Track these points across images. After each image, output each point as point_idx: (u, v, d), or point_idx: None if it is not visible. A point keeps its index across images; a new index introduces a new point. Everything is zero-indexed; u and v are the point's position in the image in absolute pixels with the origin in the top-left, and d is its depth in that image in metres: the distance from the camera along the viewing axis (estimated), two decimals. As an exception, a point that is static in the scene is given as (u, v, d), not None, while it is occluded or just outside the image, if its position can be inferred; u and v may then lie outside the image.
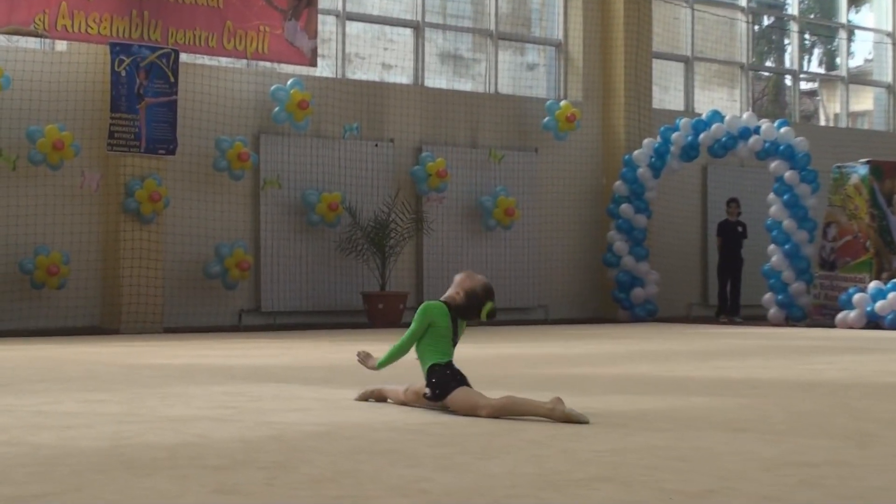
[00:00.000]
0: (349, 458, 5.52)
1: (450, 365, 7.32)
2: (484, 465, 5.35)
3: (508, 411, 6.98)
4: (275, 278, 18.68)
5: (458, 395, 7.16)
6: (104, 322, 17.38)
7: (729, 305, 21.40)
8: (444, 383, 7.22)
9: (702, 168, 23.29)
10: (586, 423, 6.70)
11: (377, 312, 18.67)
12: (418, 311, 7.44)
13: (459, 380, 7.26)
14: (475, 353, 13.18)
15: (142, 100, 17.14)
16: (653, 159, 21.04)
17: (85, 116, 17.23)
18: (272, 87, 18.44)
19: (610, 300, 21.60)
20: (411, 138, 20.20)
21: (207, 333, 16.76)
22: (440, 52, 21.58)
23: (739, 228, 21.36)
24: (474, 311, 7.49)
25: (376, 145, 19.73)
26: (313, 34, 18.73)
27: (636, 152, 21.19)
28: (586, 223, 22.08)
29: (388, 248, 18.97)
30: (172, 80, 17.35)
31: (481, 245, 20.73)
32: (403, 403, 7.59)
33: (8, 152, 16.56)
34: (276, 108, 18.34)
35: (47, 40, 17.29)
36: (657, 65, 23.19)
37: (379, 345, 14.31)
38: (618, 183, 21.26)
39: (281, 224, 18.79)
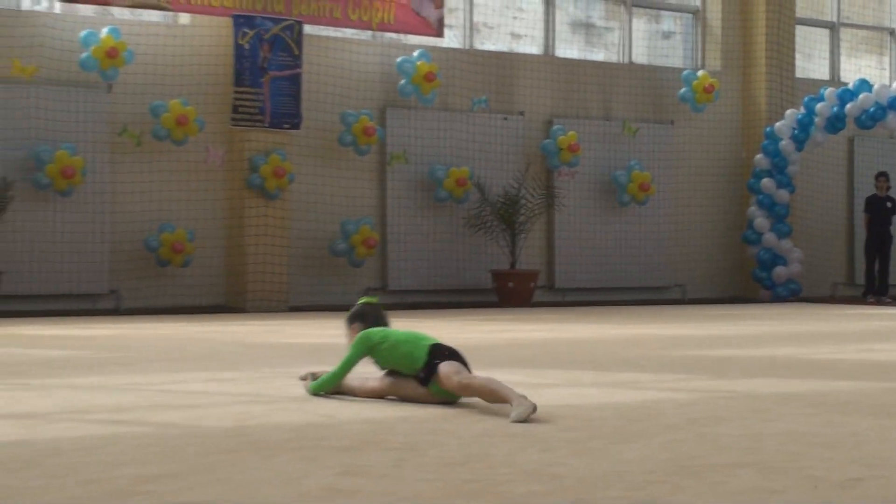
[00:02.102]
0: (480, 441, 5.54)
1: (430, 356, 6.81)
2: (618, 450, 5.33)
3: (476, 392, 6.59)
4: (401, 256, 18.78)
5: (450, 375, 6.71)
6: (229, 300, 17.63)
7: (877, 285, 21.01)
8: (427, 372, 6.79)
9: (848, 140, 22.88)
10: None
11: (507, 291, 18.67)
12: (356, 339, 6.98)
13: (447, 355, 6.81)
14: (610, 333, 13.13)
15: (266, 73, 17.32)
16: (796, 131, 20.73)
17: (208, 91, 17.47)
18: (398, 59, 18.51)
19: (750, 279, 21.34)
20: (542, 111, 20.14)
21: (333, 312, 16.91)
22: (572, 21, 21.46)
23: (889, 204, 20.96)
24: (368, 315, 7.12)
25: (506, 118, 19.71)
26: (440, 4, 18.76)
27: (778, 124, 20.88)
28: (725, 198, 21.83)
29: (518, 225, 18.95)
30: (296, 52, 17.51)
31: (614, 221, 20.61)
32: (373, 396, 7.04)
33: (132, 128, 16.86)
34: (403, 81, 18.40)
35: (170, 14, 17.56)
36: (800, 31, 22.80)
37: (507, 324, 14.36)
38: (758, 156, 20.98)
39: (408, 200, 18.88)
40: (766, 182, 20.77)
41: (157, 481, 4.58)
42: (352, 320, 7.15)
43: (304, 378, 7.49)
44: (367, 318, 7.13)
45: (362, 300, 7.29)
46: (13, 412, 6.41)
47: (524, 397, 6.25)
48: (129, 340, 11.81)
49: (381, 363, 6.99)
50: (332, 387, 7.07)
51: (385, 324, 7.13)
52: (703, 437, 5.68)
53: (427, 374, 6.77)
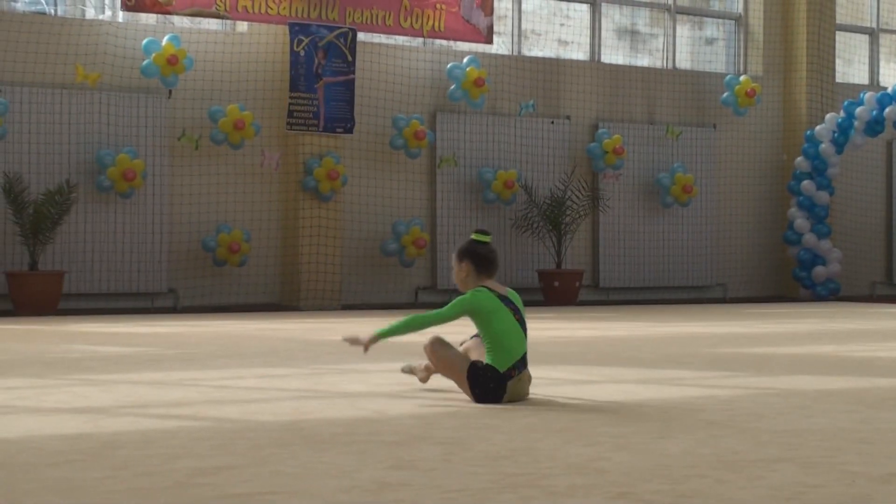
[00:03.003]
0: (525, 435, 5.53)
1: (504, 377, 6.55)
2: (661, 444, 5.31)
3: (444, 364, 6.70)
4: (450, 256, 18.75)
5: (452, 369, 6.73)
6: (284, 299, 17.70)
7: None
8: (484, 392, 6.58)
9: (887, 143, 22.70)
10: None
11: (553, 290, 18.65)
12: (463, 302, 6.66)
13: (491, 395, 6.54)
14: (653, 331, 13.09)
15: (320, 79, 17.38)
16: (836, 134, 20.58)
17: (265, 96, 17.53)
18: (448, 65, 18.52)
19: (790, 279, 21.21)
20: (587, 115, 20.10)
21: (384, 311, 16.94)
22: (617, 28, 21.40)
23: (927, 205, 20.76)
24: (482, 255, 6.70)
25: (552, 122, 19.68)
26: (489, 11, 18.75)
27: (818, 127, 20.74)
28: (766, 200, 21.70)
29: (564, 226, 18.91)
30: (350, 59, 17.56)
31: (658, 223, 20.54)
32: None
33: (191, 132, 16.96)
34: (453, 86, 18.41)
35: (228, 22, 17.65)
36: (840, 37, 22.64)
37: (553, 323, 14.33)
38: (799, 159, 20.84)
39: (457, 202, 18.88)
40: (807, 184, 20.63)
41: (213, 474, 4.60)
42: (461, 256, 6.73)
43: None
44: (478, 258, 6.69)
45: (475, 235, 6.78)
46: (76, 407, 6.46)
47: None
48: (187, 338, 11.88)
49: (480, 330, 6.63)
50: (410, 331, 6.74)
51: (495, 268, 6.69)
52: (744, 432, 5.65)
53: (497, 386, 6.52)
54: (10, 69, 16.01)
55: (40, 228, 15.46)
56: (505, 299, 6.62)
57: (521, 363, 6.61)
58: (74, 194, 15.86)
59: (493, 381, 6.54)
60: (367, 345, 6.72)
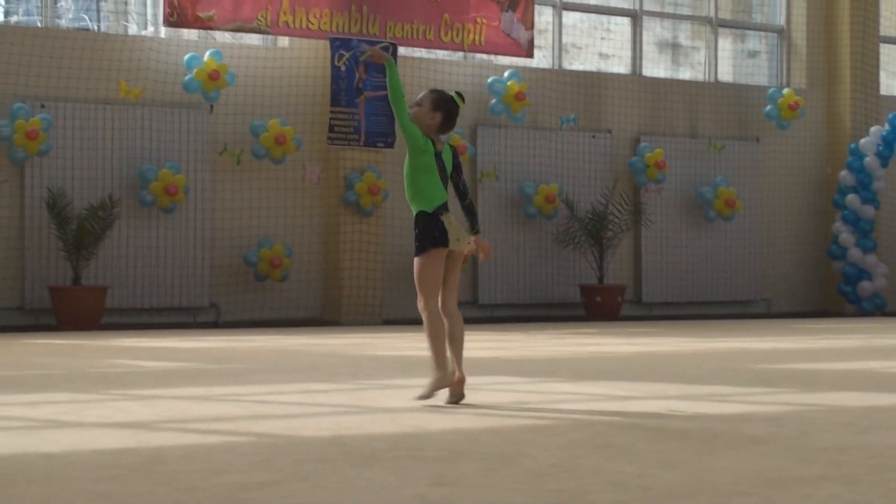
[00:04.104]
0: (567, 451, 5.51)
1: (436, 215, 7.26)
2: (705, 461, 5.28)
3: (430, 335, 7.28)
4: (492, 270, 18.76)
5: (416, 267, 7.31)
6: (325, 314, 17.72)
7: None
8: (420, 239, 7.26)
9: (933, 156, 22.52)
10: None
11: (595, 305, 18.59)
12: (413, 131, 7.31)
13: (436, 238, 7.22)
14: (697, 346, 13.03)
15: (361, 94, 17.42)
16: (880, 148, 20.45)
17: (306, 111, 17.58)
18: (489, 79, 18.52)
19: (835, 294, 21.07)
20: (629, 129, 20.05)
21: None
22: (658, 41, 21.36)
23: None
24: (450, 111, 7.40)
25: (594, 136, 19.65)
26: (530, 25, 18.76)
27: (863, 141, 20.62)
28: (810, 214, 21.58)
29: (606, 240, 18.87)
30: (391, 73, 17.57)
31: (701, 237, 20.45)
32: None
33: (232, 147, 17.02)
34: (493, 100, 18.41)
35: (270, 37, 17.72)
36: (885, 49, 22.51)
37: (595, 338, 14.29)
38: (843, 172, 20.73)
39: (498, 216, 18.87)
40: (851, 198, 20.51)
41: (255, 489, 4.60)
42: (438, 105, 7.39)
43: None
44: (449, 115, 7.37)
45: (455, 95, 7.46)
46: (118, 421, 6.49)
47: (442, 377, 7.09)
48: (229, 353, 11.91)
49: (408, 171, 7.37)
50: (394, 84, 7.37)
51: (453, 127, 7.41)
52: (790, 449, 5.61)
53: (415, 252, 7.25)
54: (54, 85, 16.13)
55: (83, 243, 15.55)
56: (438, 156, 7.33)
57: (444, 207, 7.29)
58: (117, 209, 15.95)
59: (427, 221, 7.22)
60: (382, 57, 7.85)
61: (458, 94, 7.51)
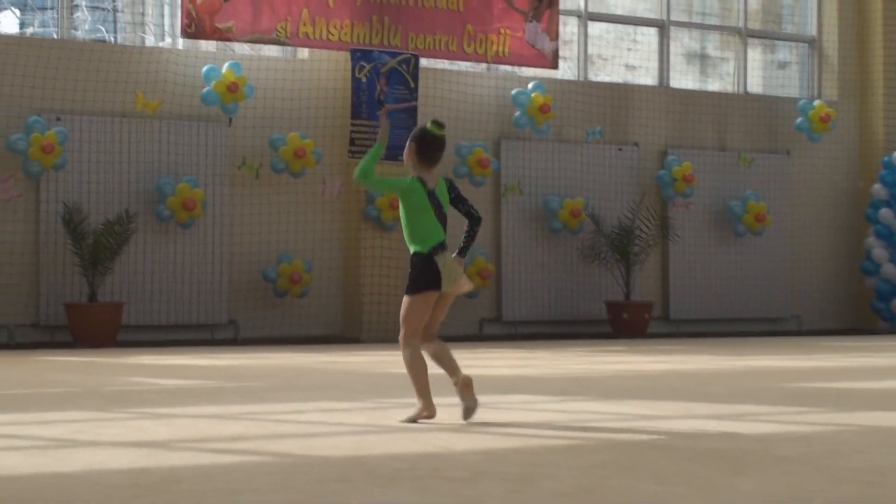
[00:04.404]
0: (593, 472, 5.50)
1: (430, 256, 7.46)
2: (733, 482, 5.26)
3: (409, 368, 7.57)
4: (516, 287, 18.75)
5: (404, 304, 7.55)
6: (346, 330, 17.73)
7: None
8: (414, 279, 7.50)
9: (969, 169, 22.43)
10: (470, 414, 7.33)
11: (621, 322, 18.56)
12: (395, 181, 7.68)
13: (430, 280, 7.42)
14: (726, 364, 13.00)
15: (382, 106, 17.37)
16: (915, 160, 20.39)
17: (326, 124, 17.61)
18: (513, 91, 18.53)
19: (868, 310, 20.98)
20: (656, 141, 20.03)
21: (447, 343, 16.92)
22: (686, 52, 21.34)
23: None
24: (427, 143, 7.65)
25: (620, 149, 19.63)
26: (555, 36, 18.77)
27: (896, 153, 20.57)
28: (842, 229, 21.51)
29: (633, 256, 18.84)
30: (412, 85, 17.62)
31: (730, 252, 20.40)
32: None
33: (251, 161, 17.06)
34: (517, 113, 18.42)
35: (289, 48, 17.77)
36: (919, 60, 22.44)
37: (622, 355, 14.27)
38: (876, 186, 20.65)
39: (522, 231, 18.86)
40: (885, 212, 20.43)
41: (273, 510, 4.61)
42: (412, 138, 7.65)
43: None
44: (423, 144, 7.62)
45: (429, 124, 7.67)
46: (134, 440, 6.50)
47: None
48: (247, 370, 11.93)
49: (404, 214, 7.54)
50: (366, 167, 7.59)
51: (435, 160, 7.63)
52: (821, 470, 5.59)
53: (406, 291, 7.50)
54: (69, 98, 16.19)
55: (99, 259, 15.60)
56: (431, 195, 7.53)
57: (441, 247, 7.49)
58: (134, 224, 15.99)
59: (421, 262, 7.44)
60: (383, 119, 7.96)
61: (435, 121, 7.72)
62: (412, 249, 7.49)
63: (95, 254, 15.56)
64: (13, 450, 6.28)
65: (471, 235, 7.69)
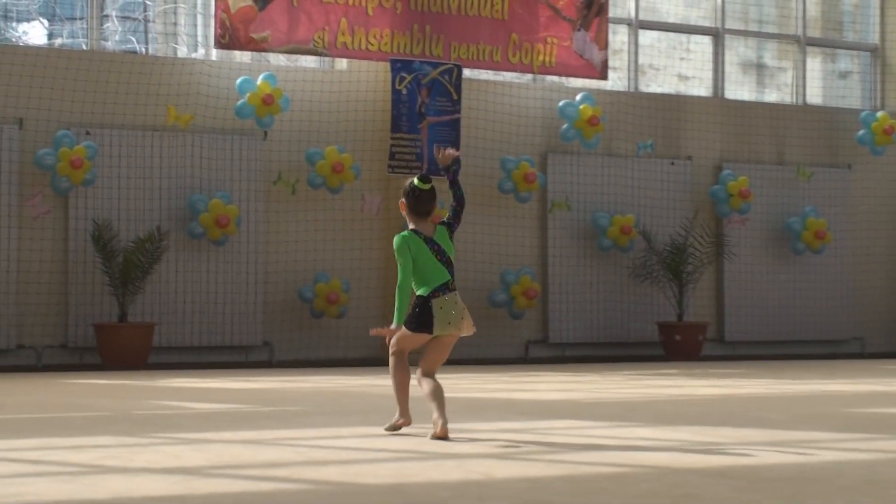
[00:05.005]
0: (645, 502, 5.49)
1: (428, 299, 7.91)
2: (794, 512, 5.24)
3: (393, 378, 8.17)
4: (563, 307, 18.73)
5: (398, 332, 8.02)
6: (385, 353, 17.67)
7: None
8: (410, 318, 7.98)
9: None
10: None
11: (674, 344, 18.51)
12: (395, 249, 8.05)
13: (421, 323, 7.90)
14: (784, 389, 12.94)
15: (423, 119, 17.49)
16: (983, 175, 20.26)
17: (365, 137, 17.66)
18: (560, 103, 18.53)
19: (935, 332, 20.86)
20: (711, 155, 19.98)
21: (492, 366, 16.93)
22: (742, 61, 21.30)
23: None
24: (416, 197, 8.13)
25: (672, 163, 19.60)
26: (604, 45, 18.77)
27: (964, 167, 20.44)
28: (907, 246, 21.39)
29: (686, 275, 18.79)
30: (455, 97, 17.66)
31: (788, 271, 20.32)
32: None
33: (287, 176, 17.12)
34: (565, 125, 18.42)
35: (327, 59, 17.85)
36: None
37: (674, 379, 14.22)
38: (943, 201, 20.54)
39: (570, 249, 18.84)
40: (952, 229, 20.31)
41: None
42: (403, 194, 8.21)
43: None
44: (412, 199, 8.13)
45: (416, 180, 8.19)
46: (167, 467, 6.53)
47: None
48: (283, 394, 11.96)
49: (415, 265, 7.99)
50: (407, 301, 8.00)
51: (425, 212, 8.12)
52: (886, 499, 5.55)
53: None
54: (99, 111, 16.32)
55: (130, 278, 15.70)
56: (430, 241, 8.04)
57: (443, 288, 7.95)
58: (165, 242, 16.09)
59: (419, 306, 7.92)
60: (392, 333, 8.09)
61: (421, 176, 8.25)
62: (416, 293, 8.00)
63: (126, 273, 15.66)
64: (41, 476, 6.32)
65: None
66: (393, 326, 8.04)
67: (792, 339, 20.29)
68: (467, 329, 8.05)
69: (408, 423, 8.07)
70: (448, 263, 8.04)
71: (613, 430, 8.67)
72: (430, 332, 7.92)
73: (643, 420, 9.14)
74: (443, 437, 7.72)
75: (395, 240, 8.06)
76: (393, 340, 8.06)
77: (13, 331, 15.81)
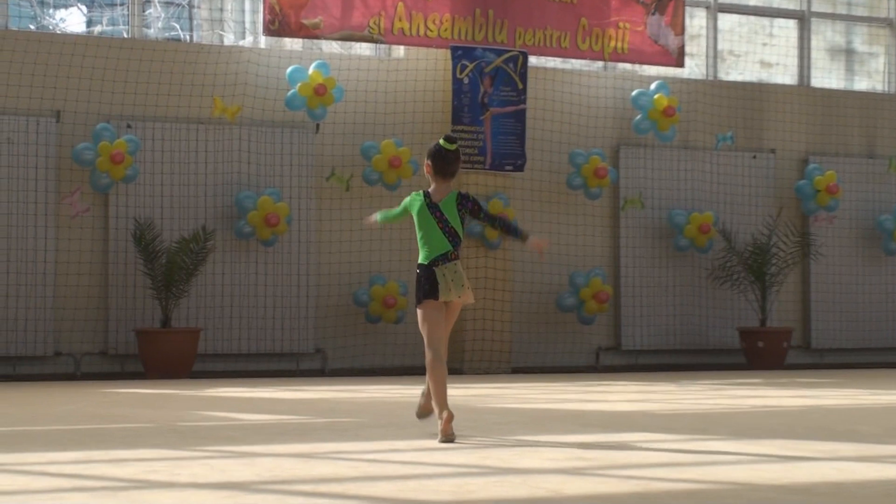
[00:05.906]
0: (724, 520, 5.47)
1: (429, 267, 8.62)
2: (885, 533, 5.21)
3: (431, 378, 8.59)
4: (637, 312, 18.68)
5: (419, 316, 8.68)
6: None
7: None
8: (417, 290, 8.68)
9: None
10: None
11: (757, 351, 18.43)
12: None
13: (427, 291, 8.56)
14: (876, 399, 12.85)
15: (486, 110, 17.48)
16: None
17: (423, 130, 17.66)
18: (633, 92, 18.49)
19: None
20: (796, 148, 19.88)
21: (560, 374, 16.91)
22: (829, 47, 21.18)
23: None
24: (442, 157, 8.74)
25: (755, 157, 19.51)
26: (680, 30, 18.71)
27: None
28: None
29: (770, 277, 18.70)
30: (521, 86, 17.65)
31: (880, 272, 20.18)
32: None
33: (340, 171, 17.17)
34: (638, 116, 18.37)
35: (383, 46, 17.88)
36: None
37: (757, 389, 14.16)
38: None
39: (644, 249, 18.80)
40: None
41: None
42: (427, 154, 8.81)
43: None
44: (436, 159, 8.75)
45: (441, 140, 8.81)
46: (213, 481, 6.58)
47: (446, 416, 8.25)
48: (336, 404, 12.00)
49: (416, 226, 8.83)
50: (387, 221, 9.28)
51: (447, 173, 8.75)
52: (985, 520, 5.52)
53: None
54: (141, 102, 16.42)
55: (173, 280, 15.79)
56: (434, 207, 8.73)
57: (443, 258, 8.66)
58: (211, 242, 16.17)
59: (421, 273, 8.64)
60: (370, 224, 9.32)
61: (447, 136, 8.85)
62: (419, 261, 8.71)
63: (169, 275, 15.76)
64: (80, 490, 6.38)
65: (505, 225, 9.16)
66: (371, 217, 9.28)
67: (883, 346, 20.15)
68: (468, 297, 8.63)
69: (450, 417, 8.38)
70: (452, 234, 8.71)
71: (690, 443, 8.65)
72: (437, 297, 8.52)
73: (722, 433, 9.11)
74: (420, 415, 8.86)
75: (404, 201, 8.86)
76: (422, 333, 8.61)
77: (50, 337, 15.95)
